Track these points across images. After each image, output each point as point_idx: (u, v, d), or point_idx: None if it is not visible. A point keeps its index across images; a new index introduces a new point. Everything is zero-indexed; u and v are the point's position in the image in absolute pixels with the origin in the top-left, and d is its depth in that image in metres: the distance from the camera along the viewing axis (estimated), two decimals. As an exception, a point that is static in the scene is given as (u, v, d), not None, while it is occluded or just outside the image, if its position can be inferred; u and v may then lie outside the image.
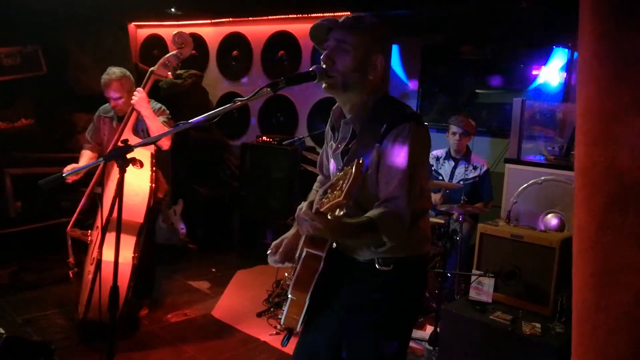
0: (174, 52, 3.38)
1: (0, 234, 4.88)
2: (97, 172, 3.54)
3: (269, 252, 2.01)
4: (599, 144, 0.66)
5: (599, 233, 0.67)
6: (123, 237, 3.24)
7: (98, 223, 3.50)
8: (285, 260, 1.96)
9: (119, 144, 3.36)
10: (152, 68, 3.41)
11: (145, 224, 3.40)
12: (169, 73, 3.46)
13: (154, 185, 3.40)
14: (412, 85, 5.40)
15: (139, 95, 3.39)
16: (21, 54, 5.36)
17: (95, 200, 3.61)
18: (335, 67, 1.75)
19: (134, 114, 3.44)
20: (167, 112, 3.77)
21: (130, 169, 1.90)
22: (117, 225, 1.96)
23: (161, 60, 3.39)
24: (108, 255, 3.26)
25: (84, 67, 5.61)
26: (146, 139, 1.88)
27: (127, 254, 3.34)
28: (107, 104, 3.81)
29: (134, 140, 3.38)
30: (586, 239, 0.69)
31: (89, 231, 3.63)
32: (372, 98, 1.82)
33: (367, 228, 1.64)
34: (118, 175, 1.88)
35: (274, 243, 2.00)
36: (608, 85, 0.66)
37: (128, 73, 3.71)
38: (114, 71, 3.64)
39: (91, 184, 3.60)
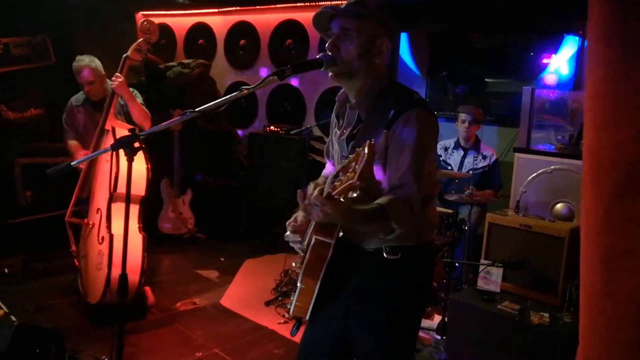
0: (143, 37, 3.63)
1: (11, 224, 4.93)
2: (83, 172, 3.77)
3: (288, 227, 1.94)
4: (607, 127, 0.65)
5: (606, 218, 0.66)
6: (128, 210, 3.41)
7: (97, 205, 3.64)
8: (303, 238, 1.91)
9: (107, 128, 3.54)
10: (125, 54, 3.63)
11: (145, 196, 3.63)
12: (141, 57, 3.71)
13: (148, 161, 3.63)
14: (421, 73, 5.37)
15: (119, 80, 3.57)
16: (30, 44, 5.37)
17: (89, 188, 3.80)
18: (340, 55, 1.74)
19: (115, 99, 3.66)
20: (139, 95, 3.92)
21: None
22: (124, 233, 1.98)
23: (133, 46, 3.63)
24: (117, 228, 3.43)
25: (93, 56, 5.62)
26: (156, 126, 1.90)
27: (133, 225, 3.55)
28: (77, 95, 4.00)
29: (117, 125, 3.58)
30: (593, 224, 0.68)
31: (86, 219, 3.77)
32: (378, 83, 1.81)
33: (376, 214, 1.63)
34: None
35: (289, 221, 1.96)
36: (616, 68, 0.65)
37: (96, 59, 3.89)
38: (83, 58, 3.83)
39: (81, 177, 3.77)
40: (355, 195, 1.36)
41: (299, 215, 1.92)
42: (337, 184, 1.41)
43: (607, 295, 0.67)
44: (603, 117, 0.66)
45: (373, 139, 1.43)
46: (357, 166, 1.36)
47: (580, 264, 0.73)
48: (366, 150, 1.36)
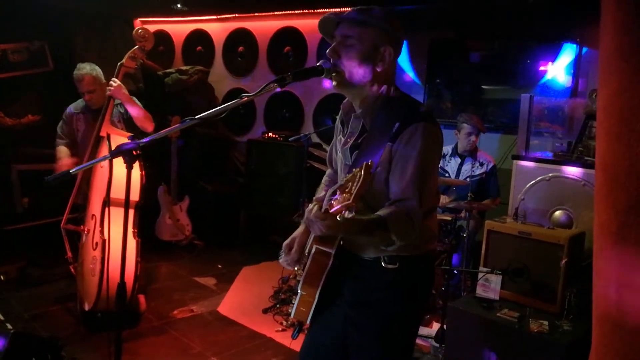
0: (138, 46, 3.68)
1: (8, 230, 4.90)
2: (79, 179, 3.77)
3: (281, 253, 1.97)
4: (621, 140, 0.64)
5: (621, 231, 0.65)
6: (123, 216, 3.43)
7: (93, 211, 3.64)
8: (300, 258, 1.93)
9: (102, 135, 3.54)
10: (121, 61, 3.68)
11: (140, 202, 3.63)
12: (136, 65, 3.78)
13: (143, 167, 3.62)
14: (419, 80, 5.37)
15: (115, 84, 3.60)
16: (28, 50, 5.37)
17: (85, 194, 3.79)
18: (340, 62, 1.74)
19: (111, 105, 3.67)
20: (138, 101, 3.91)
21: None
22: (123, 239, 1.97)
23: (128, 54, 3.68)
24: (111, 233, 3.41)
25: (90, 62, 5.62)
26: (155, 134, 1.89)
27: (128, 230, 3.50)
28: (76, 102, 4.00)
29: (113, 131, 3.57)
30: (607, 236, 0.67)
31: (82, 226, 3.77)
32: (383, 92, 1.79)
33: (377, 226, 1.63)
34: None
35: (285, 243, 1.98)
36: (631, 80, 0.64)
37: (97, 67, 3.89)
38: (84, 66, 3.83)
39: (77, 183, 3.78)
40: (351, 215, 1.39)
41: (297, 242, 1.93)
42: (334, 202, 1.43)
43: (622, 310, 0.65)
44: (617, 129, 0.65)
45: (371, 160, 1.45)
46: (353, 187, 1.39)
47: (593, 277, 0.72)
48: (362, 172, 1.38)
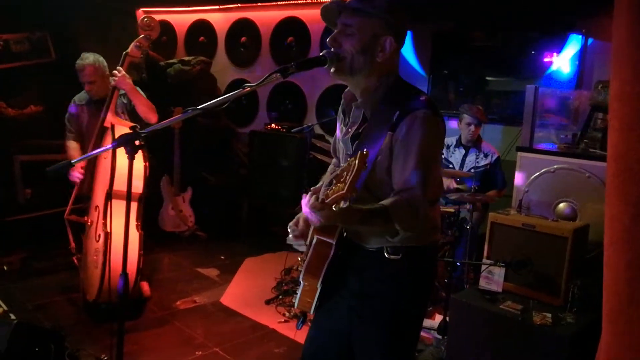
0: (144, 35, 3.63)
1: (10, 221, 4.91)
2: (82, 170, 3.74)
3: (289, 230, 1.93)
4: (635, 129, 0.63)
5: (633, 223, 0.64)
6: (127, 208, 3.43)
7: (96, 202, 3.63)
8: (307, 235, 1.90)
9: (106, 125, 3.52)
10: (125, 51, 3.64)
11: (144, 194, 3.61)
12: (141, 54, 3.76)
13: (146, 159, 3.60)
14: (423, 71, 5.35)
15: (120, 74, 3.55)
16: (30, 40, 5.35)
17: (89, 185, 3.78)
18: (341, 50, 1.72)
19: (115, 95, 3.63)
20: (142, 91, 3.89)
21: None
22: (125, 232, 1.96)
23: (134, 43, 3.63)
24: (113, 225, 3.40)
25: (95, 53, 5.61)
26: (157, 124, 1.87)
27: (131, 223, 3.49)
28: (80, 93, 3.97)
29: (117, 122, 3.54)
30: (619, 229, 0.65)
31: (86, 217, 3.77)
32: (384, 82, 1.78)
33: (379, 215, 1.62)
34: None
35: (291, 223, 1.95)
36: (644, 69, 0.62)
37: (101, 58, 3.85)
38: (87, 56, 3.80)
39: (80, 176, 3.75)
40: (345, 205, 1.37)
41: (302, 217, 1.91)
42: (330, 192, 1.42)
43: (634, 304, 0.64)
44: (631, 119, 0.64)
45: (366, 149, 1.43)
46: (347, 177, 1.37)
47: (604, 270, 0.71)
48: (357, 162, 1.37)
